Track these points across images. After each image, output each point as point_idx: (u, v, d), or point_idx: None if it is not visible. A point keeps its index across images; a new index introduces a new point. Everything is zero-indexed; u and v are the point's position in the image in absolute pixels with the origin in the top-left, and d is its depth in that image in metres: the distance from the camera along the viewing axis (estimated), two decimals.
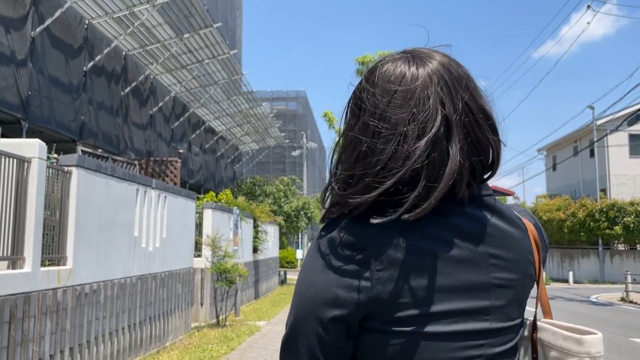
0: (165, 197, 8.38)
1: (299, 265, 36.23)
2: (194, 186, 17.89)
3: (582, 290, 21.32)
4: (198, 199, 12.27)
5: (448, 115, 0.77)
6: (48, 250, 5.30)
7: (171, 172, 10.48)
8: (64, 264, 5.55)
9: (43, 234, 5.14)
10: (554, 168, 34.57)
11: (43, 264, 5.18)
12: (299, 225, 22.65)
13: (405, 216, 0.74)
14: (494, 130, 0.83)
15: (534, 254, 0.86)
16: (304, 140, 41.53)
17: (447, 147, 0.76)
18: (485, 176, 0.84)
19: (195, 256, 10.84)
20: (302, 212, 22.65)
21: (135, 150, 13.24)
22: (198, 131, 19.05)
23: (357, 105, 0.82)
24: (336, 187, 0.81)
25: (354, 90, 0.85)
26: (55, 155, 6.18)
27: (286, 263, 34.79)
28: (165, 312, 8.26)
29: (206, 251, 10.75)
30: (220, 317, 10.24)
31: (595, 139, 26.39)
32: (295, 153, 41.22)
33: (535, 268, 0.86)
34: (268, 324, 10.80)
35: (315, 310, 0.78)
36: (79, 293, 5.69)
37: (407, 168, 0.74)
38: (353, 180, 0.79)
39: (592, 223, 25.24)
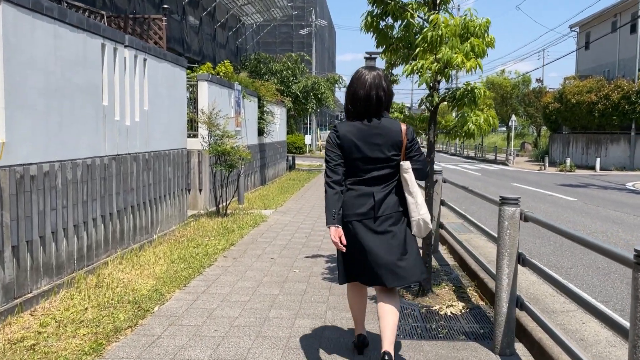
0: (145, 59, 6.62)
1: (307, 152, 34.98)
2: (190, 61, 15.89)
3: (612, 178, 19.98)
4: (191, 69, 10.44)
5: (372, 87, 3.10)
6: None
7: (155, 33, 8.59)
8: None
9: None
10: (587, 47, 31.52)
11: None
12: (307, 106, 20.78)
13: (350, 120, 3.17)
14: (390, 96, 3.17)
15: (402, 136, 3.03)
16: (313, 17, 38.07)
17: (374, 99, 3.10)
18: (385, 111, 3.12)
19: (190, 136, 9.36)
20: (311, 93, 20.66)
21: (116, 9, 11.11)
22: None
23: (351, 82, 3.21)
24: (346, 109, 3.20)
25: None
26: None
27: (294, 149, 33.43)
28: (153, 199, 6.90)
29: (202, 130, 9.19)
30: (221, 206, 8.97)
31: (639, 12, 23.46)
32: (304, 32, 38.02)
33: (402, 140, 3.03)
34: (275, 213, 9.55)
35: (330, 141, 3.11)
36: (20, 175, 4.21)
37: (361, 101, 3.08)
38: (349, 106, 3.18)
39: (627, 106, 23.34)
